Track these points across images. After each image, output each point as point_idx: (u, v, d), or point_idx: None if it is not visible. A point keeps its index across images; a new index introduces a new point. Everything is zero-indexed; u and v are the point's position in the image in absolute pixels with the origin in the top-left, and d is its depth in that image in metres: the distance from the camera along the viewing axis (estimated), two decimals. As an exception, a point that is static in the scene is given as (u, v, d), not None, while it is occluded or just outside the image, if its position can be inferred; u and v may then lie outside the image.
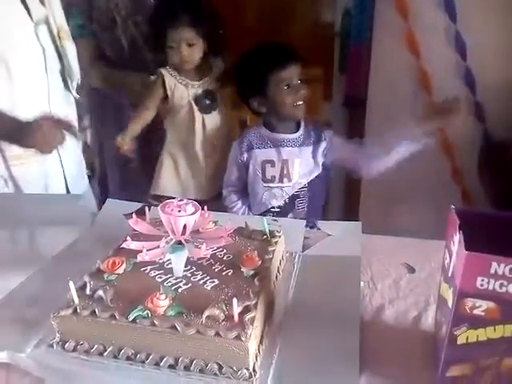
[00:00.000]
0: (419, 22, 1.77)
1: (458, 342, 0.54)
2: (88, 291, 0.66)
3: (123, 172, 1.84)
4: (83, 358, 0.62)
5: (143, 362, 0.61)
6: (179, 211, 0.68)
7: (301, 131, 1.31)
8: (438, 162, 1.93)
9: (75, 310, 0.63)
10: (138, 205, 1.03)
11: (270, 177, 1.29)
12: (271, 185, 1.29)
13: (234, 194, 1.37)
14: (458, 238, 0.54)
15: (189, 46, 1.35)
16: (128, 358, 0.61)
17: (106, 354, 0.62)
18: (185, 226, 0.68)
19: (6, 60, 1.09)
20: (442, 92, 1.82)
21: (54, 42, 1.20)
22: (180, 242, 0.70)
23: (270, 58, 1.25)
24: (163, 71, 1.41)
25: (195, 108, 1.46)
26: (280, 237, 0.82)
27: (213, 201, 1.46)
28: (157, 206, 0.71)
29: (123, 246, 0.72)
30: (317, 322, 0.69)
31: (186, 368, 0.59)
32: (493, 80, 1.76)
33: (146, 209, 0.83)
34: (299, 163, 1.28)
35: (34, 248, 0.90)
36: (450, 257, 0.58)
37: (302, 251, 0.88)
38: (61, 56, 1.23)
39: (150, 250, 0.69)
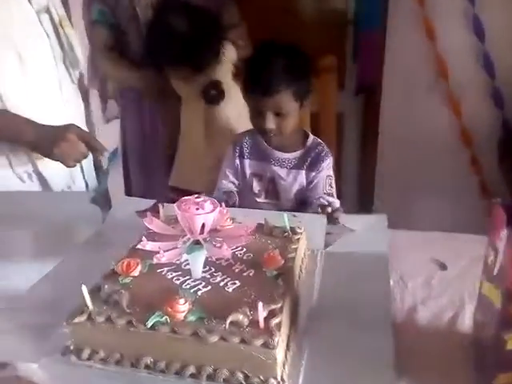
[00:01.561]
0: (435, 7, 1.71)
1: (508, 348, 0.49)
2: (102, 295, 0.62)
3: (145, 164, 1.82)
4: (99, 368, 0.58)
5: (163, 371, 0.57)
6: (197, 209, 0.63)
7: (298, 153, 1.17)
8: (456, 152, 1.87)
9: (89, 316, 0.59)
10: (150, 201, 0.99)
11: (257, 191, 1.20)
12: (258, 199, 1.21)
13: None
14: (505, 234, 0.49)
15: None
16: (147, 367, 0.57)
17: (123, 362, 0.58)
18: (203, 225, 0.64)
19: (17, 48, 1.06)
20: (460, 77, 1.77)
21: (56, 30, 1.16)
22: (198, 242, 0.66)
23: (257, 79, 1.10)
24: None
25: (202, 100, 1.44)
26: (302, 233, 0.78)
27: None
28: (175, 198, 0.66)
29: (138, 246, 0.68)
30: (345, 325, 0.64)
31: (210, 377, 0.55)
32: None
33: (160, 206, 0.79)
34: (285, 185, 1.17)
35: (45, 246, 0.86)
36: (496, 254, 0.53)
37: (324, 248, 0.84)
38: (63, 45, 1.19)
39: (167, 250, 0.65)
